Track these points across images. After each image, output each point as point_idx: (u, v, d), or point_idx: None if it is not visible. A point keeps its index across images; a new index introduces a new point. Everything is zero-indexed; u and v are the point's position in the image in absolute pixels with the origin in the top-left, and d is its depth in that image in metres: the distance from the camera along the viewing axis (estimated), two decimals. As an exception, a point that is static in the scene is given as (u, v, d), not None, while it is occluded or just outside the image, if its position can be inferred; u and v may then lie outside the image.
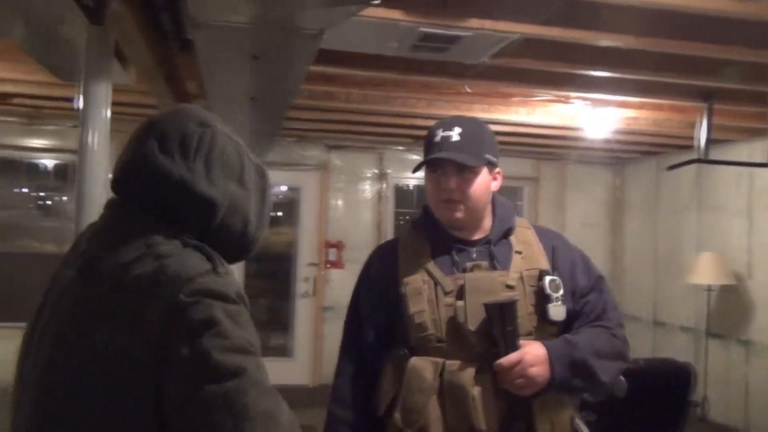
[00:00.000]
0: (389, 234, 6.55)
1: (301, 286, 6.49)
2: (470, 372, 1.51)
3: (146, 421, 0.93)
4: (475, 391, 1.50)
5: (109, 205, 1.09)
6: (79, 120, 1.89)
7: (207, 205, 1.04)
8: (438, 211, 1.67)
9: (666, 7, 2.60)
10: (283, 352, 6.59)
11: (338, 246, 6.45)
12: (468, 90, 4.23)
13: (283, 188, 6.76)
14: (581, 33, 2.81)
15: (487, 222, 1.69)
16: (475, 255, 1.64)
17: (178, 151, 1.03)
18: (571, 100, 4.40)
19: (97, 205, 1.84)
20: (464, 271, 1.61)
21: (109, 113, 1.84)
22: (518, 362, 1.47)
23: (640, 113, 4.67)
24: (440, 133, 1.61)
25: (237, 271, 6.32)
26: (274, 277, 6.76)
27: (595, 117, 4.53)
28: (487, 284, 1.58)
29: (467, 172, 1.60)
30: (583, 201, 7.02)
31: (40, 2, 1.86)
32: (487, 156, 1.62)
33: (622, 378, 3.95)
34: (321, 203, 6.56)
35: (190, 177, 1.02)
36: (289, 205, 6.80)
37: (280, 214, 6.79)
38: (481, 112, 4.64)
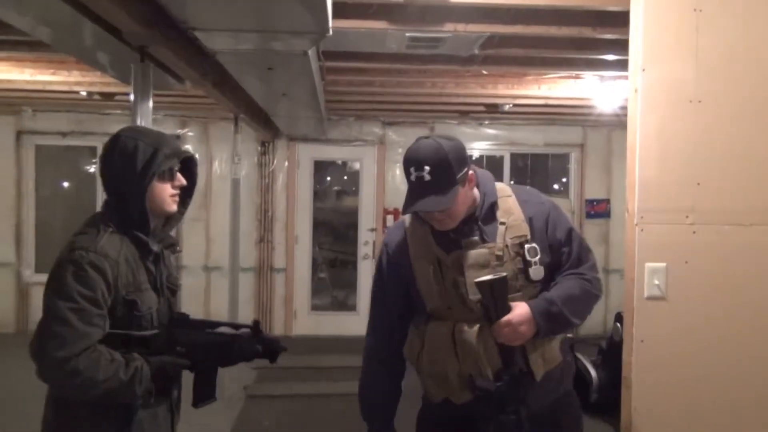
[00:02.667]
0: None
1: (362, 249, 7.29)
2: (474, 331, 1.86)
3: None
4: (480, 345, 1.85)
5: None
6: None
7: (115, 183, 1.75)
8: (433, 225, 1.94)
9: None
10: (351, 307, 7.46)
11: (395, 213, 7.16)
12: (485, 72, 4.79)
13: (356, 164, 7.53)
14: (537, 28, 3.34)
15: (476, 201, 1.94)
16: (467, 232, 1.92)
17: (103, 159, 1.77)
18: (582, 76, 4.85)
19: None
20: (461, 248, 1.91)
21: (150, 120, 2.65)
22: (509, 324, 1.79)
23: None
24: (413, 173, 1.82)
25: (306, 238, 7.23)
26: (344, 240, 7.61)
27: (606, 90, 4.96)
28: (480, 258, 1.88)
29: None
30: (630, 165, 7.33)
31: (98, 42, 2.70)
32: (458, 177, 1.83)
33: (618, 325, 4.49)
34: (379, 174, 7.30)
35: (110, 170, 1.75)
36: (353, 177, 7.59)
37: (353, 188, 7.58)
38: (505, 89, 5.21)
